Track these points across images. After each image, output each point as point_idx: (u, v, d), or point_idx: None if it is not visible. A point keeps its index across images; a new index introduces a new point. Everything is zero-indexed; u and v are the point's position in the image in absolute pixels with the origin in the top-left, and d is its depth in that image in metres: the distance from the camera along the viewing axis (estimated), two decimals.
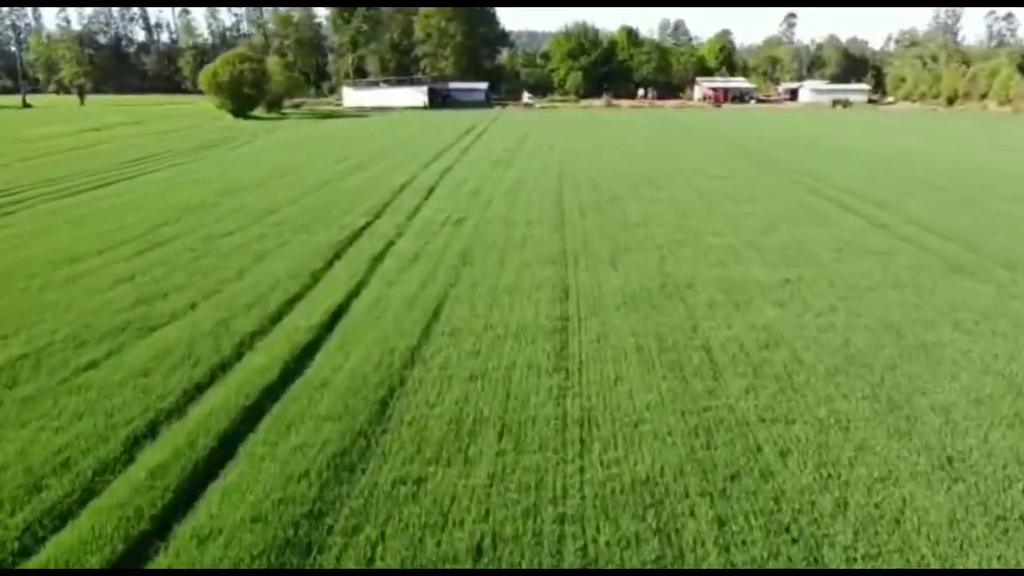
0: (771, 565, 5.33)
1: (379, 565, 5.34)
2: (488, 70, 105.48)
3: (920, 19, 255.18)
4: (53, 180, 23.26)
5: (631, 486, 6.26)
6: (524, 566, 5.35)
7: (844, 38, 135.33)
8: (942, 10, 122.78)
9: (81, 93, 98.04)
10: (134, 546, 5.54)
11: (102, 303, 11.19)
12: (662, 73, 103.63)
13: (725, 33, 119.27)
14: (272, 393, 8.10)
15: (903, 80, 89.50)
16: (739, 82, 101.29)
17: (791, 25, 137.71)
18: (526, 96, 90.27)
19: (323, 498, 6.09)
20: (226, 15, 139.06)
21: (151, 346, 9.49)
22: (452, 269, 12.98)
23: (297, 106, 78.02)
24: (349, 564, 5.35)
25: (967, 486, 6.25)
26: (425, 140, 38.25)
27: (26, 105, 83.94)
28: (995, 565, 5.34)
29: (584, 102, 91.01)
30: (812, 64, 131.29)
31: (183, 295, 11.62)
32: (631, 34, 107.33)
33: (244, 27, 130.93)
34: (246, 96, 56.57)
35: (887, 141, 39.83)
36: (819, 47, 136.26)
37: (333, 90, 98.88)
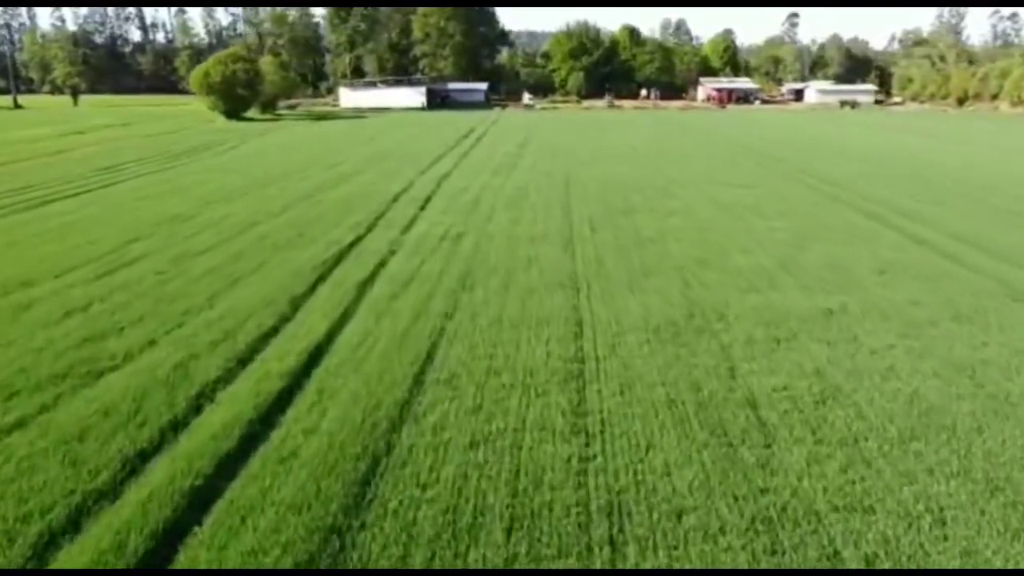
0: None
1: None
2: (488, 70, 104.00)
3: (923, 19, 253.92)
4: (24, 188, 21.77)
5: None
6: None
7: (844, 38, 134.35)
8: (946, 10, 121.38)
9: (74, 93, 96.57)
10: None
11: (47, 340, 9.71)
12: (665, 73, 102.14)
13: (727, 33, 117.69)
14: (228, 468, 6.63)
15: (910, 80, 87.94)
16: (743, 82, 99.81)
17: (794, 25, 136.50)
18: (527, 97, 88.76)
19: None
20: (223, 15, 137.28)
21: (94, 399, 8.01)
22: (450, 296, 11.50)
23: (293, 107, 76.52)
24: None
25: None
26: (422, 143, 36.77)
27: (17, 106, 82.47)
28: None
29: (586, 103, 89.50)
30: (814, 64, 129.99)
31: (141, 329, 10.15)
32: (633, 33, 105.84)
33: (241, 27, 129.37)
34: (239, 97, 55.00)
35: (905, 145, 38.35)
36: (821, 47, 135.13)
37: (331, 90, 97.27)
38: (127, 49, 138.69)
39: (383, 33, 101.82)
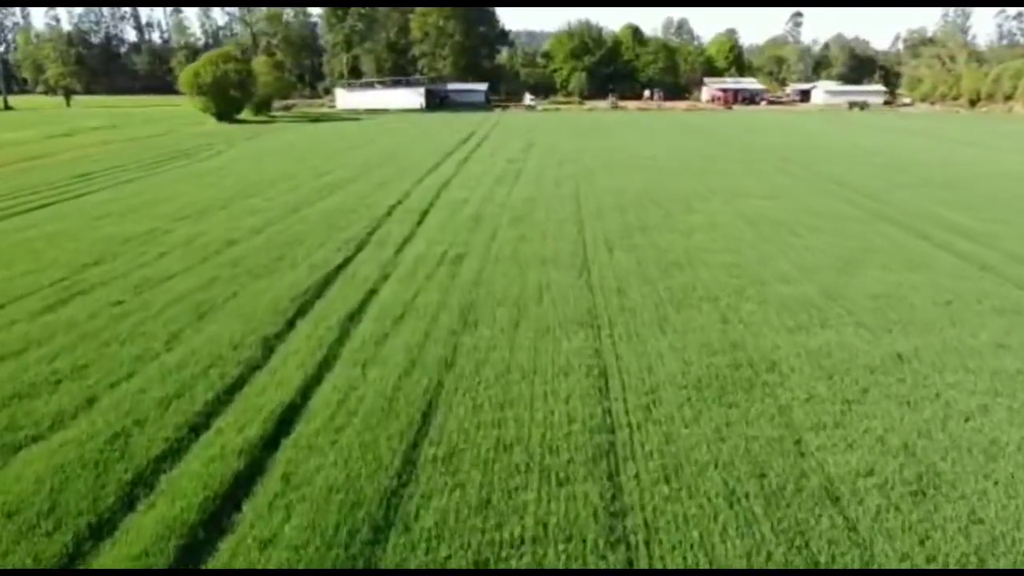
0: None
1: None
2: (487, 70, 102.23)
3: (928, 19, 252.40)
4: None
5: None
6: None
7: (845, 38, 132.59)
8: (951, 10, 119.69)
9: (67, 94, 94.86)
10: None
11: None
12: (669, 73, 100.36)
13: (731, 32, 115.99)
14: None
15: (920, 81, 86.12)
16: (749, 83, 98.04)
17: (797, 24, 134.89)
18: (528, 97, 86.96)
19: None
20: (219, 14, 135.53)
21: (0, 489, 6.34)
22: (450, 336, 9.82)
23: (288, 108, 74.77)
24: None
25: None
26: (420, 148, 35.02)
27: (8, 107, 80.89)
28: None
29: (589, 104, 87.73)
30: (817, 64, 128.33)
31: (82, 383, 8.48)
32: (636, 33, 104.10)
33: (237, 27, 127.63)
34: (231, 98, 53.17)
35: (931, 149, 36.41)
36: (825, 47, 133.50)
37: (328, 91, 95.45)
38: (123, 49, 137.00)
39: (381, 33, 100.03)
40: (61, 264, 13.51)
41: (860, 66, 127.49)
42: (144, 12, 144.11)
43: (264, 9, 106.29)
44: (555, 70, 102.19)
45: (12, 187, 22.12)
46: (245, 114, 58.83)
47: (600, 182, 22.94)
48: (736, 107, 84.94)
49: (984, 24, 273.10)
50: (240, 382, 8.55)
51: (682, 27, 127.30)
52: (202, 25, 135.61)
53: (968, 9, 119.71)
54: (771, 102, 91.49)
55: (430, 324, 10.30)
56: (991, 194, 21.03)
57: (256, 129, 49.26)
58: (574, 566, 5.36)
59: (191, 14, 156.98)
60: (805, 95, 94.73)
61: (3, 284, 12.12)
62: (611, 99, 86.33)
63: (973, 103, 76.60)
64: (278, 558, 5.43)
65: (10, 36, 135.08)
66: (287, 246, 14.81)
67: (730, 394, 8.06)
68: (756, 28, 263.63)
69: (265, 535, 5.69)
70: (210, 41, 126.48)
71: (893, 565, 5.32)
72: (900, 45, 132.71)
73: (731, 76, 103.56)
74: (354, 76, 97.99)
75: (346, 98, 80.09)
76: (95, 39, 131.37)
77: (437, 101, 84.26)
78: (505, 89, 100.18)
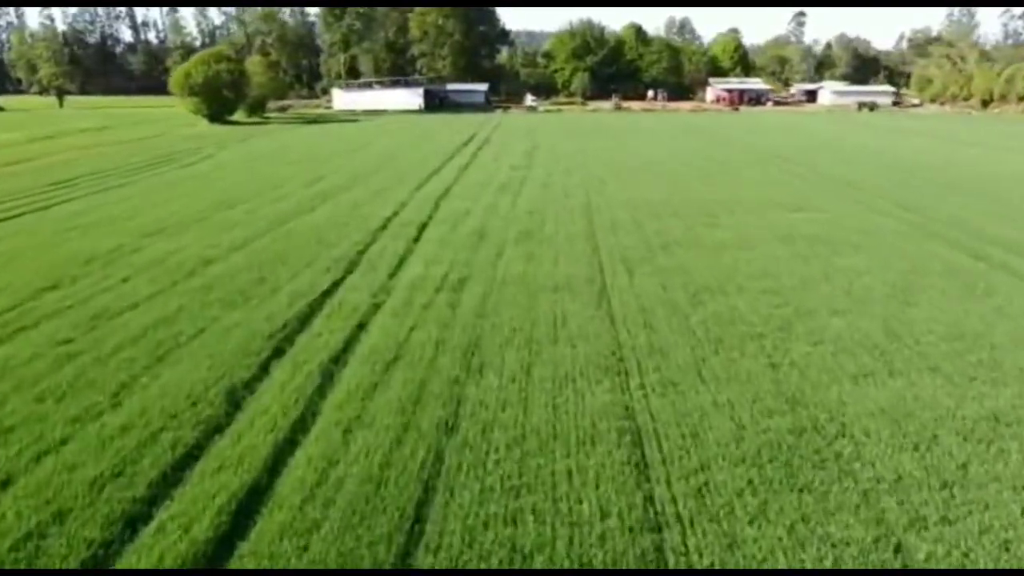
0: None
1: None
2: (487, 70, 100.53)
3: (933, 19, 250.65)
4: None
5: None
6: None
7: (846, 38, 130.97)
8: (956, 9, 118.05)
9: (60, 94, 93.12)
10: None
11: None
12: (672, 74, 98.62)
13: (734, 32, 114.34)
14: None
15: (929, 81, 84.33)
16: (754, 83, 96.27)
17: (800, 24, 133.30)
18: (529, 98, 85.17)
19: None
20: (215, 14, 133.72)
21: None
22: (450, 388, 8.25)
23: (284, 109, 73.05)
24: None
25: None
26: (418, 152, 33.36)
27: None
28: None
29: (592, 105, 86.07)
30: (820, 64, 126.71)
31: (1, 452, 6.92)
32: (639, 32, 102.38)
33: (234, 26, 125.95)
34: (223, 99, 51.48)
35: (956, 154, 34.55)
36: (828, 46, 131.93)
37: (326, 91, 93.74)
38: (118, 49, 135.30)
39: (379, 32, 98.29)
40: (12, 290, 11.95)
41: (863, 66, 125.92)
42: (140, 11, 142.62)
43: (259, 8, 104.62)
44: (557, 70, 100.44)
45: None
46: (238, 115, 57.17)
47: (611, 191, 21.34)
48: (742, 108, 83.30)
49: (988, 24, 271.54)
50: (196, 452, 7.00)
51: (684, 27, 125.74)
52: (198, 24, 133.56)
53: (973, 9, 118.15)
54: (777, 103, 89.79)
55: (428, 370, 8.73)
56: None
57: (249, 131, 47.62)
58: None
59: (187, 13, 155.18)
60: (811, 96, 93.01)
61: None
62: (614, 100, 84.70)
63: (985, 104, 74.93)
64: None
65: (3, 36, 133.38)
66: (269, 266, 13.23)
67: (799, 474, 6.49)
68: (757, 28, 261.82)
69: None
70: (207, 40, 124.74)
71: None
72: (904, 44, 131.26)
73: (736, 76, 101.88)
74: (352, 76, 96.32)
75: (343, 99, 78.37)
76: (90, 39, 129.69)
77: (436, 102, 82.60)
78: (505, 90, 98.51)
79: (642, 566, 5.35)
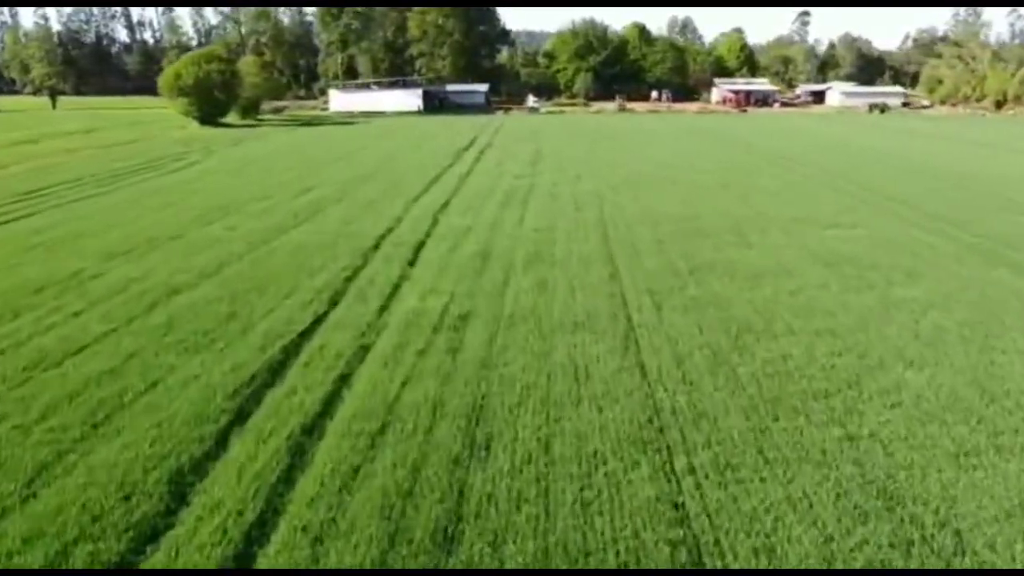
0: None
1: None
2: (487, 70, 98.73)
3: (937, 19, 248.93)
4: None
5: None
6: None
7: (853, 37, 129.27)
8: (962, 9, 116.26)
9: (52, 95, 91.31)
10: None
11: None
12: (677, 74, 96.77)
13: (738, 31, 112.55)
14: None
15: (940, 82, 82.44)
16: (761, 83, 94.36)
17: (804, 23, 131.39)
18: (531, 99, 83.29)
19: None
20: (211, 13, 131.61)
21: None
22: (449, 474, 6.58)
23: (279, 111, 71.25)
24: None
25: None
26: (416, 158, 31.51)
27: None
28: None
29: (595, 106, 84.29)
30: (823, 64, 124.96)
31: None
32: (643, 32, 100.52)
33: (231, 26, 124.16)
34: (215, 101, 49.66)
35: (989, 160, 32.25)
36: (831, 46, 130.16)
37: (324, 92, 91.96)
38: (114, 49, 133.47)
39: (378, 31, 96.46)
40: None
41: (867, 66, 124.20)
42: (136, 11, 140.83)
43: (253, 7, 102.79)
44: (559, 70, 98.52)
45: None
46: (231, 117, 55.38)
47: (626, 203, 19.59)
48: (749, 109, 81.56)
49: (995, 24, 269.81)
50: None
51: (687, 26, 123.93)
52: (195, 24, 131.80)
53: (980, 9, 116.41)
54: (784, 103, 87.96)
55: (422, 445, 7.05)
56: None
57: (240, 134, 45.84)
58: None
59: (184, 13, 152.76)
60: (818, 96, 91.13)
61: None
62: (618, 101, 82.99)
63: (999, 105, 73.14)
64: None
65: None
66: (243, 297, 11.54)
67: None
68: (759, 28, 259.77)
69: None
70: (203, 40, 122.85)
71: None
72: (909, 44, 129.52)
73: (742, 76, 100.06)
74: (350, 76, 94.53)
75: (340, 100, 76.47)
76: (86, 39, 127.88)
77: (435, 103, 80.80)
78: (506, 90, 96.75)
79: None
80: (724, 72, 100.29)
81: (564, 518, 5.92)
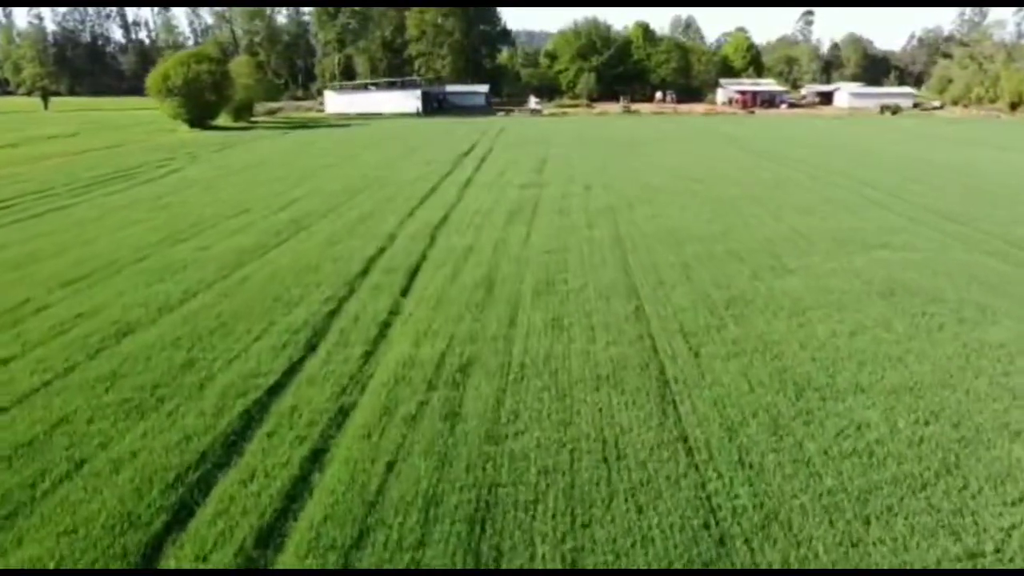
0: None
1: None
2: (488, 71, 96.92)
3: (942, 18, 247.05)
4: None
5: None
6: None
7: (857, 36, 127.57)
8: (968, 9, 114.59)
9: (44, 96, 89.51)
10: None
11: None
12: (681, 75, 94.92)
13: (742, 31, 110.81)
14: None
15: (950, 82, 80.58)
16: (767, 84, 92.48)
17: (808, 23, 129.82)
18: (533, 101, 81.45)
19: None
20: (207, 13, 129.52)
21: None
22: None
23: (273, 112, 69.42)
24: None
25: None
26: (412, 166, 29.54)
27: None
28: None
29: (598, 107, 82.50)
30: (827, 64, 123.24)
31: None
32: (647, 32, 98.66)
33: (224, 27, 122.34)
34: (205, 103, 47.79)
35: None
36: (835, 47, 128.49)
37: (321, 92, 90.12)
38: (109, 49, 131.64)
39: (375, 31, 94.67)
40: None
41: (872, 66, 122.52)
42: (131, 11, 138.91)
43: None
44: (560, 71, 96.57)
45: None
46: (222, 120, 53.56)
47: (643, 219, 17.80)
48: (756, 110, 79.77)
49: (1005, 23, 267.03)
50: None
51: (690, 26, 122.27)
52: (191, 24, 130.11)
53: (986, 8, 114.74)
54: (792, 104, 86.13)
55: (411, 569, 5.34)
56: None
57: (229, 138, 43.98)
58: None
59: (180, 13, 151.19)
60: (826, 97, 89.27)
61: None
62: (623, 102, 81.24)
63: (1014, 107, 71.29)
64: None
65: None
66: (205, 340, 9.83)
67: None
68: (762, 28, 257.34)
69: None
70: (199, 40, 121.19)
71: None
72: (915, 44, 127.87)
73: (748, 77, 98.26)
74: (347, 77, 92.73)
75: (336, 101, 74.58)
76: (81, 39, 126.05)
77: (434, 104, 78.99)
78: (507, 91, 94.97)
79: None
80: (730, 72, 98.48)
81: None
